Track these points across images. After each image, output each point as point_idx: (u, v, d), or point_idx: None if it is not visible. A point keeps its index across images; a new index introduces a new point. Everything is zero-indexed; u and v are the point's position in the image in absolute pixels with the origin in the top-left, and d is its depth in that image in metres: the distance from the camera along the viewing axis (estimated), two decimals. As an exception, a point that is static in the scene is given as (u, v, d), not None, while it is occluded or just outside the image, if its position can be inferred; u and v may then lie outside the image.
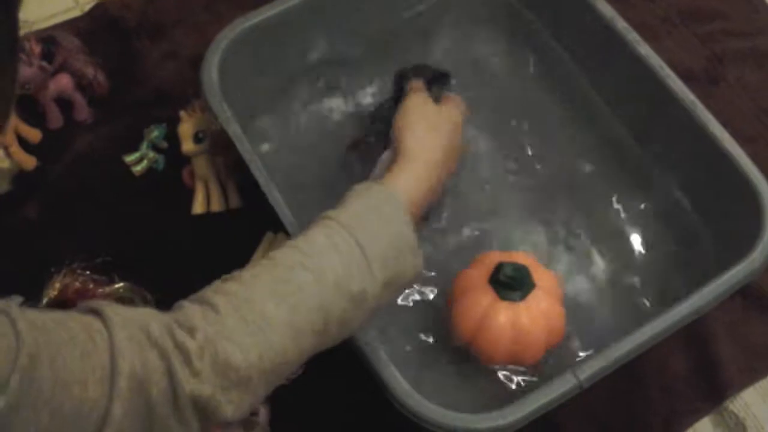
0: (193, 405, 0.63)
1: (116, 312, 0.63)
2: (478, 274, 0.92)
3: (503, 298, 0.89)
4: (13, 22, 0.54)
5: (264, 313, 0.67)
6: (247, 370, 0.65)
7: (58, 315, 0.61)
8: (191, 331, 0.64)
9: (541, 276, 0.92)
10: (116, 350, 0.59)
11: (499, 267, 0.90)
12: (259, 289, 0.69)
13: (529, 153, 1.12)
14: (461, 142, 0.95)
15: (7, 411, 0.53)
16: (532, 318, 0.89)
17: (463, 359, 0.96)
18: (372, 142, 1.04)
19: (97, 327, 0.61)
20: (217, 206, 1.11)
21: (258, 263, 0.72)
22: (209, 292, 0.69)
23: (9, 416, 0.53)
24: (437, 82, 1.03)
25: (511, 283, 0.89)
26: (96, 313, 0.62)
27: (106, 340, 0.60)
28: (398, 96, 1.00)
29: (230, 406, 0.65)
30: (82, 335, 0.60)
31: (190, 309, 0.66)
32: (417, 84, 0.97)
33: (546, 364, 0.95)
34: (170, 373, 0.62)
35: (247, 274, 0.70)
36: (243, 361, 0.65)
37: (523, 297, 0.90)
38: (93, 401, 0.57)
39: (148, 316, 0.64)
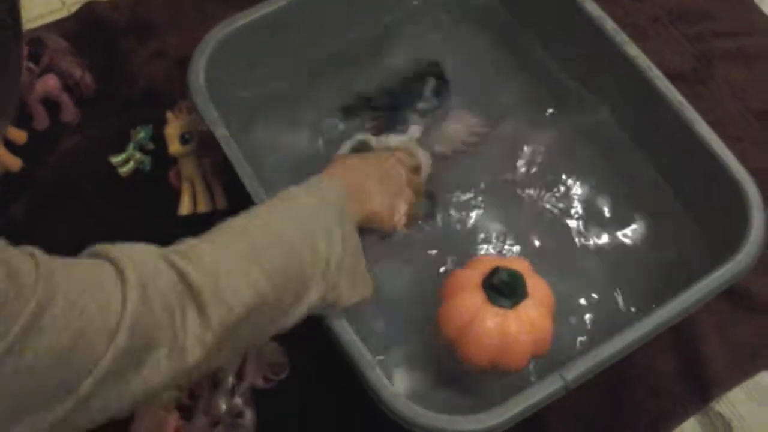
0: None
1: (104, 244, 0.68)
2: (471, 276, 0.91)
3: (494, 303, 0.89)
4: (16, 18, 0.55)
5: (232, 231, 0.76)
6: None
7: (68, 259, 0.64)
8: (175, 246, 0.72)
9: (534, 284, 0.91)
10: (116, 260, 0.64)
11: (495, 271, 0.89)
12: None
13: (519, 155, 1.12)
14: (399, 199, 0.97)
15: (38, 311, 0.56)
16: (520, 326, 0.88)
17: (454, 360, 0.95)
18: (362, 114, 1.10)
19: (91, 256, 0.66)
20: (203, 207, 1.11)
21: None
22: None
23: (41, 316, 0.56)
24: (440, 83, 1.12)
25: (504, 290, 0.89)
26: (104, 256, 0.67)
27: (103, 256, 0.65)
28: (411, 81, 1.08)
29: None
30: (84, 258, 0.66)
31: None
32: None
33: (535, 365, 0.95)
34: (172, 264, 0.68)
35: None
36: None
37: (514, 305, 0.89)
38: (115, 298, 0.61)
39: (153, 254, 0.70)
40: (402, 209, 0.97)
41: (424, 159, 1.06)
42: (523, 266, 0.92)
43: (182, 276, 0.67)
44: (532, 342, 0.89)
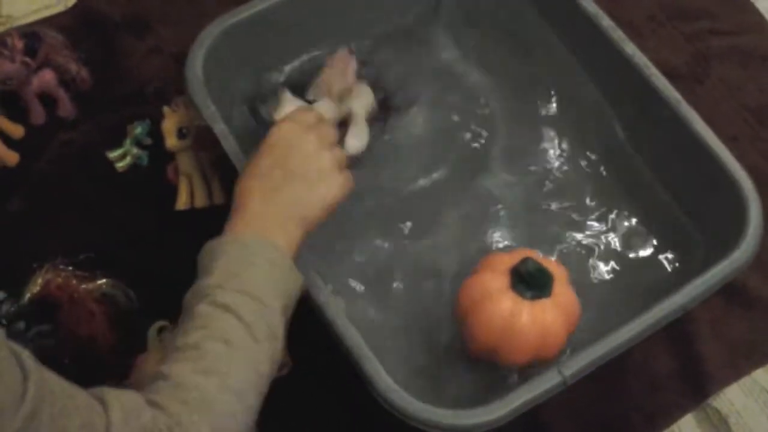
0: None
1: (116, 397, 0.64)
2: (505, 260, 0.92)
3: (514, 288, 0.89)
4: None
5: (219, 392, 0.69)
6: None
7: (67, 383, 0.61)
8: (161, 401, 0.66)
9: (563, 292, 0.91)
10: (106, 403, 0.62)
11: (525, 260, 0.89)
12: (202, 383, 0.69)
13: (508, 150, 1.12)
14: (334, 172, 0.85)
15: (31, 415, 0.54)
16: (531, 320, 0.88)
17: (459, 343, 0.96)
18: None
19: (98, 409, 0.62)
20: (200, 202, 1.10)
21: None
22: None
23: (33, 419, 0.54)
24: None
25: (528, 279, 0.89)
26: (99, 398, 0.63)
27: (104, 420, 0.61)
28: None
29: None
30: (84, 410, 0.61)
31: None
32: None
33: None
34: None
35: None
36: None
37: (533, 297, 0.89)
38: None
39: (141, 405, 0.65)
40: (342, 178, 0.86)
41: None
42: (559, 271, 0.92)
43: None
44: (538, 341, 0.89)
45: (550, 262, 0.93)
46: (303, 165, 0.83)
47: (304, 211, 0.82)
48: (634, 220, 1.07)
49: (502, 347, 0.90)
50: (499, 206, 1.08)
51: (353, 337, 0.85)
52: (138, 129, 1.15)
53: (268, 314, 0.75)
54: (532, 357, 0.90)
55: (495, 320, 0.89)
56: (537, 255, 0.94)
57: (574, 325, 0.92)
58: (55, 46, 1.16)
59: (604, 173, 1.10)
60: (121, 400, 0.64)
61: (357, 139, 0.98)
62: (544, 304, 0.89)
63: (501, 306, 0.89)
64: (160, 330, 0.99)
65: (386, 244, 1.04)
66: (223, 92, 1.03)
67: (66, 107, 1.18)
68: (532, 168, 1.11)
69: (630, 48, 1.05)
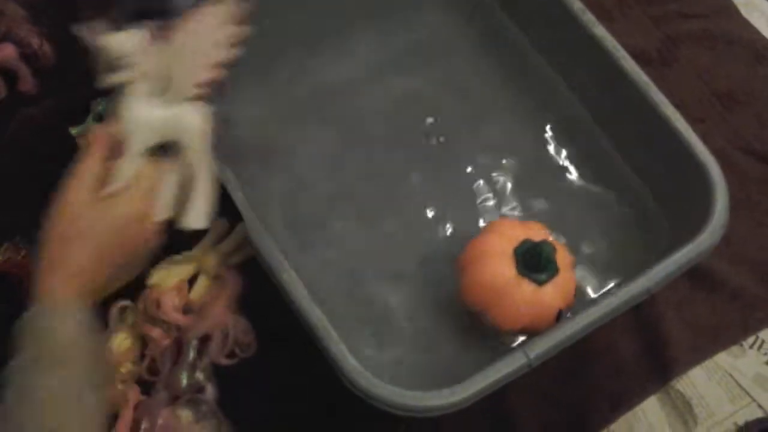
0: None
1: None
2: (498, 242, 0.92)
3: (528, 277, 0.90)
4: None
5: None
6: None
7: None
8: None
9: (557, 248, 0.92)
10: None
11: (533, 248, 0.90)
12: None
13: (481, 135, 1.12)
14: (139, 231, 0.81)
15: None
16: (553, 294, 0.90)
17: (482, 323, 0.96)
18: None
19: None
20: (165, 181, 1.09)
21: None
22: None
23: None
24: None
25: (530, 260, 0.90)
26: None
27: None
28: None
29: None
30: None
31: None
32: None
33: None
34: None
35: None
36: None
37: (549, 278, 0.90)
38: None
39: None
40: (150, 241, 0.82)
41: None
42: (542, 229, 0.94)
43: None
44: (562, 303, 0.91)
45: (532, 225, 0.95)
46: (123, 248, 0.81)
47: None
48: (599, 203, 1.07)
49: (532, 325, 0.91)
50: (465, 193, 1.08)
51: (317, 317, 0.84)
52: (101, 105, 1.13)
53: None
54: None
55: (522, 310, 0.90)
56: (518, 224, 0.95)
57: (573, 264, 0.95)
58: (17, 19, 1.14)
59: (570, 156, 1.10)
60: None
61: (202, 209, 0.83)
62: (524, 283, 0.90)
63: (522, 296, 0.90)
64: (123, 310, 0.98)
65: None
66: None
67: (27, 82, 1.15)
68: (498, 156, 1.11)
69: (599, 31, 1.04)
